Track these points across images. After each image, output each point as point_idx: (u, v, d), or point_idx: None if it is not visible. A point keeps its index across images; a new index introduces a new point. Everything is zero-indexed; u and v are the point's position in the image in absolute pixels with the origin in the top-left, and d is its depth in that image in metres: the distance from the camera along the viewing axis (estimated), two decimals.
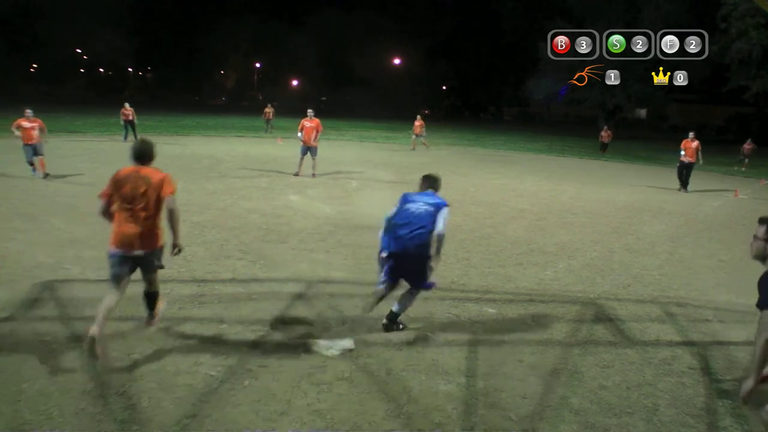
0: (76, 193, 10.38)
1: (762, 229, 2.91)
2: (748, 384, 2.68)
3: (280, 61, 73.62)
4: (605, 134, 29.78)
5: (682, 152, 15.52)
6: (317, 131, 14.08)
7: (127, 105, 21.88)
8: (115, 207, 4.12)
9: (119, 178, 4.12)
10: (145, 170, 4.17)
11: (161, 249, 4.30)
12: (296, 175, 14.11)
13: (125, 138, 21.31)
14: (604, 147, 29.56)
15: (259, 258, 6.88)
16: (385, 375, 4.10)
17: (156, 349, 4.28)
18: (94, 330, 3.89)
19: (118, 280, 4.16)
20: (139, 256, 4.15)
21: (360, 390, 3.86)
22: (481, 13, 62.39)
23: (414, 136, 24.87)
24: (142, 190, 4.08)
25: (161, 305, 4.66)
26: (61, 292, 5.41)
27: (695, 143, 15.38)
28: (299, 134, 14.22)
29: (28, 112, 12.28)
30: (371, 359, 4.32)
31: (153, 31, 67.73)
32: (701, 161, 15.76)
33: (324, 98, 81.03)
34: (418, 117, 25.10)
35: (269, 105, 30.71)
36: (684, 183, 15.73)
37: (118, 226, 4.12)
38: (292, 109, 47.97)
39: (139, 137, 7.09)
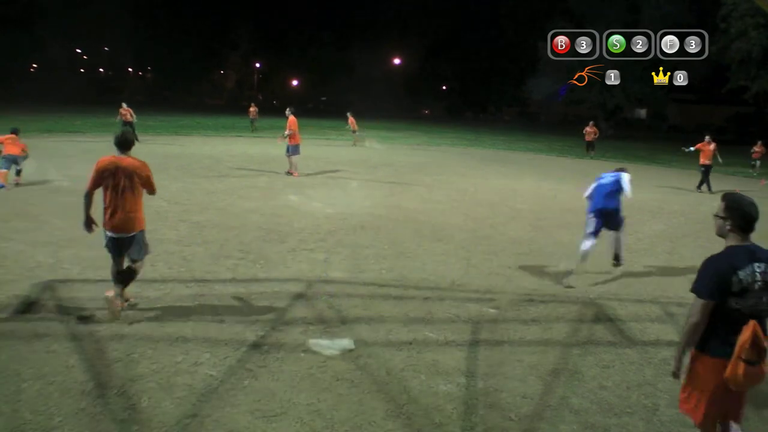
0: (76, 193, 10.35)
1: (721, 206, 2.97)
2: (675, 365, 2.91)
3: (279, 63, 73.77)
4: (590, 130, 25.28)
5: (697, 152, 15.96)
6: (289, 128, 13.91)
7: (124, 105, 22.02)
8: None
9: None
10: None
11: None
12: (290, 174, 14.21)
13: None
14: (590, 146, 25.53)
15: (259, 258, 6.88)
16: (385, 375, 4.10)
17: (155, 349, 4.28)
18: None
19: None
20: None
21: (360, 390, 3.86)
22: (481, 12, 62.36)
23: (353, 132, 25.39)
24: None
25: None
26: (61, 292, 5.40)
27: (712, 145, 15.74)
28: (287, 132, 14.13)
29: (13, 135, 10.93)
30: (371, 359, 4.32)
31: (152, 31, 67.64)
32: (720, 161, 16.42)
33: (324, 98, 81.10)
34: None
35: (252, 104, 32.41)
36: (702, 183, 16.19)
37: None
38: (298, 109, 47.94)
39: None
